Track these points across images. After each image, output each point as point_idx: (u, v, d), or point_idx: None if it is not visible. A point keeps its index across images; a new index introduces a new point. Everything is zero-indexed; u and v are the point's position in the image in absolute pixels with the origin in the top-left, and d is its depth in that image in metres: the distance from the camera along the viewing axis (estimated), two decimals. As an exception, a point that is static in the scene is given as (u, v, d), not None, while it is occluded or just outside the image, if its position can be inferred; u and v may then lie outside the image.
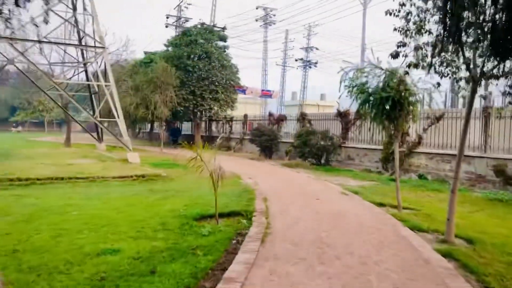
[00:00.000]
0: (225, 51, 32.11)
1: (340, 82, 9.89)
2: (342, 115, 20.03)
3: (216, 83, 30.00)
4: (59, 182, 12.11)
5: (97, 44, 19.69)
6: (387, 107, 9.33)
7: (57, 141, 36.86)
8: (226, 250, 6.11)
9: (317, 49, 60.65)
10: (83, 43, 23.28)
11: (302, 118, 23.53)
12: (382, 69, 9.36)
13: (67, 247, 6.17)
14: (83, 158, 19.15)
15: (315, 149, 18.64)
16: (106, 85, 19.33)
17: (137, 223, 7.75)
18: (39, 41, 19.58)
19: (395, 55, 6.91)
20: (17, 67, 22.20)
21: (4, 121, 72.29)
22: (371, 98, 9.57)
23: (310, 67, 58.85)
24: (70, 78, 27.05)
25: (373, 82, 9.65)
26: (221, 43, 32.07)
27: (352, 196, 11.22)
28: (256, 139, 22.91)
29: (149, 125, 44.20)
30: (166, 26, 46.07)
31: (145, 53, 42.71)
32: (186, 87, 29.04)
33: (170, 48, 31.74)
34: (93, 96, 25.67)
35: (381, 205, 10.26)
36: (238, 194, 10.87)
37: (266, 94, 45.78)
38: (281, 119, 25.80)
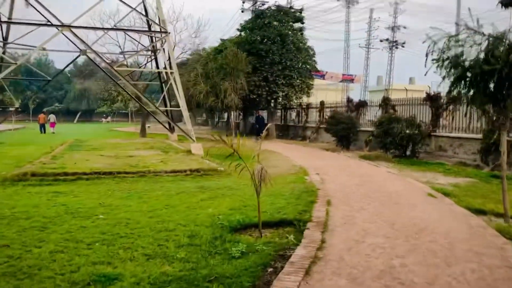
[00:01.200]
0: (301, 33, 30.11)
1: (427, 55, 7.70)
2: (432, 99, 17.27)
3: (291, 68, 28.15)
4: (106, 177, 11.20)
5: (160, 29, 18.83)
6: (491, 84, 7.02)
7: (136, 131, 37.50)
8: (254, 285, 4.43)
9: (404, 28, 55.94)
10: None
11: (385, 103, 21.00)
12: (484, 35, 7.01)
13: (59, 270, 4.90)
14: (148, 149, 18.49)
15: (398, 138, 16.16)
16: (171, 72, 18.43)
17: (164, 233, 6.36)
18: (99, 28, 19.20)
19: (507, 3, 4.66)
20: (89, 58, 22.12)
21: (92, 112, 76.51)
22: (468, 74, 7.28)
23: (396, 48, 54.52)
24: (141, 66, 26.83)
25: (471, 53, 7.33)
26: (296, 25, 30.07)
27: (442, 200, 8.92)
28: (332, 128, 20.80)
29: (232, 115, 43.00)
30: (242, 11, 44.89)
31: (222, 40, 41.95)
32: (259, 73, 27.56)
33: (243, 33, 30.42)
34: (163, 84, 25.16)
35: (480, 212, 7.93)
36: (298, 195, 9.10)
37: (347, 78, 42.97)
38: (361, 105, 23.39)
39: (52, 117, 39.60)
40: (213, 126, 50.26)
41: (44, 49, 22.61)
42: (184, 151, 17.39)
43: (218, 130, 46.85)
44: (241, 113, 39.48)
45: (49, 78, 22.97)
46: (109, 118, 77.06)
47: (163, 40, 20.04)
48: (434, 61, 7.66)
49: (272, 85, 27.74)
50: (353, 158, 17.24)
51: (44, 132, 36.87)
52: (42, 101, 77.54)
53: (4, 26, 21.47)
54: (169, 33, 18.18)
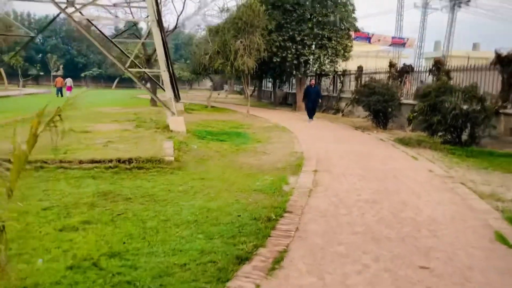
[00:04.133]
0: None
1: None
2: (503, 62, 12.14)
3: (323, 26, 23.16)
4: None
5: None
6: None
7: (163, 98, 34.01)
8: None
9: (470, -16, 48.03)
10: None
11: (437, 68, 15.92)
12: None
13: None
14: (124, 122, 14.75)
15: (450, 117, 11.25)
16: (149, 23, 14.21)
17: None
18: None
19: None
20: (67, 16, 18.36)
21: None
22: None
23: (459, 7, 46.88)
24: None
25: None
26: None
27: (527, 255, 4.35)
28: (363, 100, 16.01)
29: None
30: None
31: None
32: (284, 32, 22.83)
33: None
34: (164, 43, 21.05)
35: None
36: (238, 228, 4.85)
37: (397, 42, 36.95)
38: (406, 71, 18.35)
39: (68, 81, 37.03)
40: (244, 95, 46.07)
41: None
42: (162, 127, 13.39)
43: (252, 100, 42.64)
44: (273, 81, 35.00)
45: (32, 35, 19.55)
46: (148, 85, 74.13)
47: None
48: None
49: (299, 46, 22.96)
50: (385, 143, 12.57)
51: (62, 95, 34.65)
52: (82, 65, 76.09)
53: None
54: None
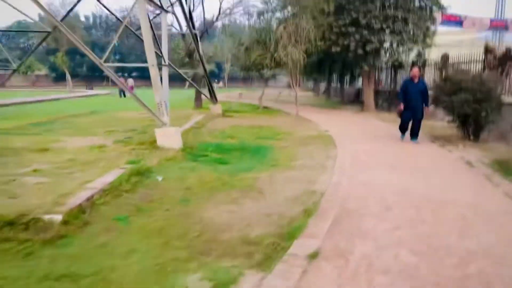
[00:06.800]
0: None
1: None
2: None
3: (396, 5, 18.32)
4: None
5: None
6: None
7: (228, 98, 31.47)
8: None
9: None
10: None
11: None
12: None
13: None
14: (115, 133, 11.57)
15: None
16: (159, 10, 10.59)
17: None
18: None
19: None
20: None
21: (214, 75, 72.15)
22: None
23: None
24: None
25: None
26: None
27: None
28: (444, 100, 11.21)
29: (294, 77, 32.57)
30: None
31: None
32: (346, 15, 18.37)
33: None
34: (195, 38, 17.58)
35: None
36: None
37: (498, 25, 30.36)
38: (510, 57, 13.09)
39: (130, 81, 36.50)
40: (316, 92, 41.79)
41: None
42: (151, 142, 9.86)
43: (321, 98, 38.32)
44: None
45: (49, 30, 17.32)
46: (220, 84, 72.32)
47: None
48: None
49: (365, 32, 18.32)
50: (474, 171, 7.89)
51: (124, 96, 34.36)
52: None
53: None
54: None
